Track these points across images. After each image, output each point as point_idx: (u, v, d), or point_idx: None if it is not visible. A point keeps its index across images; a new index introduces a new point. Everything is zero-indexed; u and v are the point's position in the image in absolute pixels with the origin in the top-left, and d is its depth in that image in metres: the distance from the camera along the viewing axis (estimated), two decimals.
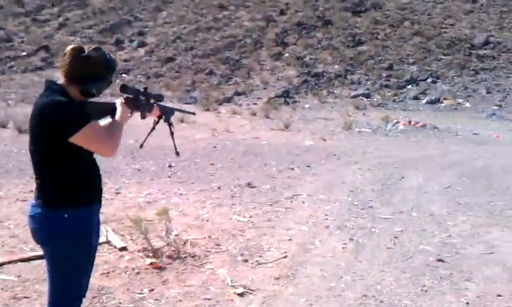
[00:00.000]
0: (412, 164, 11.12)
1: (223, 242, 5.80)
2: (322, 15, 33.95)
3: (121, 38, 33.57)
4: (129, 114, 3.01)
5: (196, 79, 27.13)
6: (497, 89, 24.49)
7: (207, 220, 6.60)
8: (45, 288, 4.40)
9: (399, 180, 9.47)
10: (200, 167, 10.14)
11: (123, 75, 29.09)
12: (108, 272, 4.77)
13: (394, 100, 23.85)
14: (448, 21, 32.56)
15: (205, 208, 7.19)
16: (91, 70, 2.66)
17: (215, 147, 12.43)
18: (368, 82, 26.18)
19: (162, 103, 3.32)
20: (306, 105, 23.00)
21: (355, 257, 5.44)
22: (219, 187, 8.53)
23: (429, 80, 26.02)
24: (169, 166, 10.08)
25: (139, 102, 3.09)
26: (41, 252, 5.14)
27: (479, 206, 7.66)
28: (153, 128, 3.36)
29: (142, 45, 32.80)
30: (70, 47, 2.70)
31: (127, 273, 4.77)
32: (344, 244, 5.86)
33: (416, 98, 23.90)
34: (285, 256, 5.39)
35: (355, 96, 24.17)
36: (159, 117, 3.31)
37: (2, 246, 5.41)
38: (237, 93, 24.79)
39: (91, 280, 4.32)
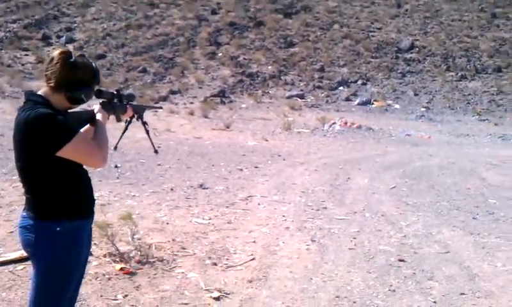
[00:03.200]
0: (355, 164, 11.43)
1: (188, 245, 5.76)
2: (254, 15, 34.08)
3: (48, 33, 32.34)
4: (107, 119, 2.97)
5: (129, 77, 26.53)
6: (424, 91, 25.50)
7: (167, 223, 6.52)
8: (12, 295, 4.26)
9: (345, 181, 9.71)
10: (148, 168, 9.99)
11: None
12: None
13: (327, 101, 24.34)
14: (375, 25, 33.47)
15: (162, 211, 7.11)
16: (79, 76, 2.58)
17: (159, 147, 12.12)
18: (302, 83, 26.55)
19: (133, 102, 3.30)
20: (243, 105, 23.07)
21: (321, 258, 5.55)
22: (171, 189, 8.45)
23: (359, 82, 26.70)
24: (115, 167, 9.87)
25: (114, 104, 3.07)
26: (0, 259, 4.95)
27: (426, 207, 7.98)
28: (126, 129, 3.33)
29: (70, 41, 31.66)
30: (58, 51, 2.59)
31: (98, 279, 4.65)
32: (307, 245, 5.96)
33: (348, 99, 24.50)
34: (253, 259, 5.43)
35: (290, 97, 24.44)
36: (131, 117, 3.29)
37: None
38: (173, 92, 24.46)
39: None
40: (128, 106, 3.20)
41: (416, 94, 25.16)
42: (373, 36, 31.86)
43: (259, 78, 26.84)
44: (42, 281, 2.61)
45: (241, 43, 30.74)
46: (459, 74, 26.84)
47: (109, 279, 4.65)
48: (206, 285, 4.66)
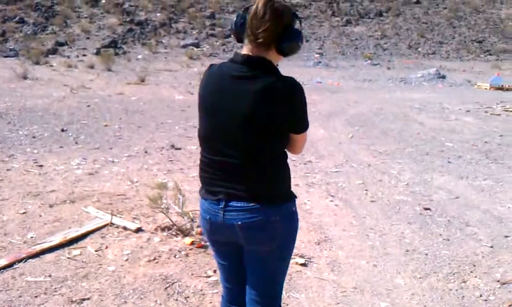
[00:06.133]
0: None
1: None
2: None
3: None
4: None
5: (7, 28, 24.22)
6: (314, 37, 26.27)
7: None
8: (94, 285, 3.89)
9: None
10: (98, 130, 9.36)
11: None
12: (155, 259, 4.33)
13: (224, 50, 24.17)
14: None
15: (160, 177, 6.76)
16: (287, 21, 2.19)
17: (89, 106, 11.52)
18: (194, 31, 26.04)
19: None
20: (139, 56, 22.15)
21: (355, 213, 5.67)
22: (145, 151, 8.04)
23: None
24: (62, 130, 9.15)
25: None
26: (46, 244, 4.45)
27: (398, 154, 8.40)
28: None
29: None
30: (261, 1, 2.13)
31: (177, 257, 4.38)
32: (331, 201, 6.05)
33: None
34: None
35: (185, 46, 23.91)
36: None
37: None
38: (59, 44, 22.78)
39: (145, 270, 4.03)
40: None
41: (307, 40, 25.84)
42: None
43: (149, 27, 25.91)
44: (278, 263, 2.42)
45: None
46: (344, 19, 27.94)
47: (187, 255, 4.39)
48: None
